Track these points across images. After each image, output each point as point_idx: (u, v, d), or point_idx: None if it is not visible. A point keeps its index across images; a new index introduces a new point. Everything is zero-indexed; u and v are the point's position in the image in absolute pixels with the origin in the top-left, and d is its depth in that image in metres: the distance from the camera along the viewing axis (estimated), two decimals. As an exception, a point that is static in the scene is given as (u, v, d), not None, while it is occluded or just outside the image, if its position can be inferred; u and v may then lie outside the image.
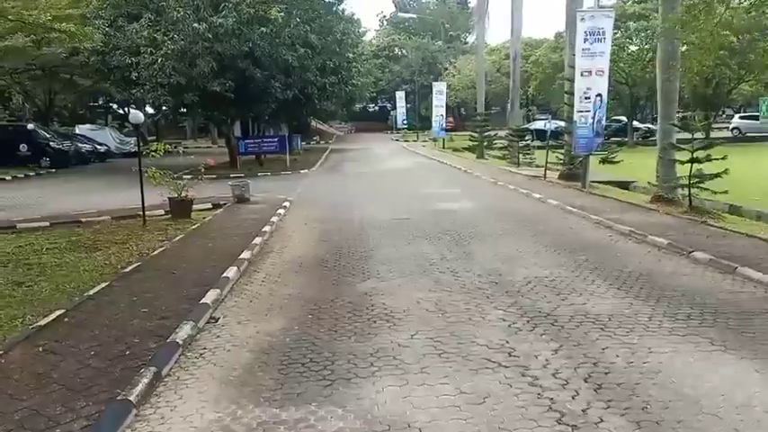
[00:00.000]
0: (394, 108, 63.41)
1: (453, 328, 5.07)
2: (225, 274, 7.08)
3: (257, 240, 9.24)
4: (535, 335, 4.84)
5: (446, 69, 58.88)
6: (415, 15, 67.55)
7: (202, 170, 13.72)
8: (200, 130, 58.12)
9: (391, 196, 14.55)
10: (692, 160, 11.79)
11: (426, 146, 39.77)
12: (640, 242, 8.44)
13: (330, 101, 32.87)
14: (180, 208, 12.49)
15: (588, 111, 15.37)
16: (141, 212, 11.84)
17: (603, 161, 16.84)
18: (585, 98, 15.35)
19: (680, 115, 15.60)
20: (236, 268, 7.42)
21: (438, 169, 23.04)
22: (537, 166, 23.97)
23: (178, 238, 9.88)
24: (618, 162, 16.87)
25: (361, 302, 5.95)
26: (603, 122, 15.74)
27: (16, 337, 5.34)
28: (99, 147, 35.17)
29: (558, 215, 11.13)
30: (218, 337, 5.27)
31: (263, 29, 21.47)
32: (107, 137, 39.07)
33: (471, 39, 78.89)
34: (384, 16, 79.95)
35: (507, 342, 4.70)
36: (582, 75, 15.31)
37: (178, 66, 21.02)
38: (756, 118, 42.55)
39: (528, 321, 5.15)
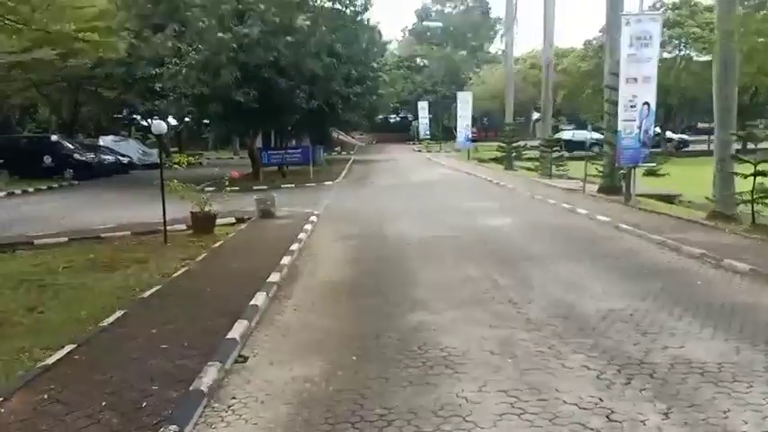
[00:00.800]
0: (415, 118, 62.69)
1: (529, 378, 4.23)
2: (253, 302, 6.33)
3: (285, 260, 8.51)
4: (633, 390, 3.98)
5: (470, 79, 58.11)
6: (440, 23, 66.91)
7: (226, 183, 13.04)
8: (222, 141, 58.03)
9: (425, 210, 13.75)
10: (756, 173, 10.80)
11: (451, 157, 38.91)
12: (716, 267, 7.50)
13: (354, 111, 32.31)
14: (203, 223, 11.84)
15: (634, 120, 14.43)
16: (163, 228, 11.21)
17: (648, 173, 15.83)
18: (631, 106, 14.41)
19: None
20: (264, 294, 6.67)
21: (468, 181, 22.18)
22: (569, 178, 23.03)
23: (201, 257, 9.18)
24: (663, 175, 15.86)
25: (412, 340, 5.14)
26: (651, 132, 14.77)
27: (19, 378, 4.64)
28: (122, 158, 35.02)
29: (613, 234, 10.20)
30: (249, 382, 4.50)
31: (288, 38, 20.94)
32: (130, 148, 38.99)
33: (494, 48, 78.40)
34: (407, 27, 79.67)
35: (601, 400, 3.84)
36: (627, 82, 14.39)
37: (202, 76, 20.58)
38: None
39: (619, 371, 4.29)
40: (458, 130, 39.64)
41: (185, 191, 11.62)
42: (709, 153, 34.01)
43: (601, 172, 17.89)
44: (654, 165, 15.37)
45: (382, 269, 7.92)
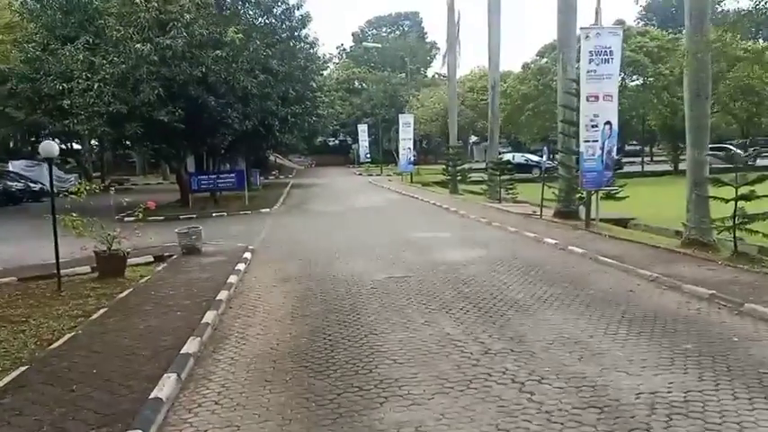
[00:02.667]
0: (355, 142, 61.47)
1: None
2: (155, 393, 4.46)
3: (209, 317, 6.64)
4: None
5: (407, 102, 57.53)
6: (379, 45, 66.43)
7: (139, 215, 10.97)
8: (151, 165, 54.57)
9: (375, 243, 12.12)
10: (738, 198, 9.86)
11: (393, 180, 37.65)
12: (739, 314, 6.24)
13: (292, 133, 30.47)
14: (110, 265, 9.74)
15: (596, 141, 13.47)
16: (56, 272, 9.05)
17: (607, 197, 14.90)
18: (593, 126, 13.47)
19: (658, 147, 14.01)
20: (174, 377, 4.81)
21: (416, 207, 20.77)
22: (517, 202, 22.09)
23: (99, 314, 7.15)
24: (622, 198, 14.95)
25: (391, 458, 3.45)
26: (614, 154, 13.84)
27: None
28: (33, 185, 31.76)
29: (594, 268, 8.89)
30: None
31: (217, 52, 19.08)
32: (43, 174, 35.46)
33: (431, 72, 78.72)
34: (344, 49, 78.90)
35: None
36: (588, 100, 13.45)
37: (118, 92, 18.32)
38: (723, 149, 42.34)
39: None
40: (399, 152, 38.51)
41: (86, 227, 9.50)
42: (641, 174, 34.26)
43: (557, 196, 16.88)
44: (617, 189, 14.44)
45: (334, 328, 6.19)
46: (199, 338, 5.88)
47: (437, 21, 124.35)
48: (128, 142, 22.90)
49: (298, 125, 27.29)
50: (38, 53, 19.21)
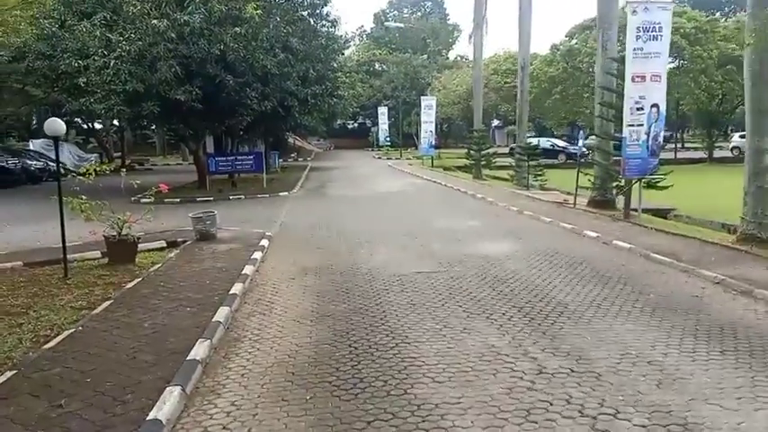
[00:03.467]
0: (374, 125, 60.50)
1: None
2: (154, 413, 3.79)
3: (221, 314, 5.97)
4: None
5: (429, 84, 56.34)
6: (401, 24, 65.11)
7: (151, 197, 10.33)
8: (171, 146, 54.27)
9: (399, 231, 11.37)
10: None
11: (413, 164, 36.76)
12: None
13: (311, 115, 29.70)
14: (119, 251, 9.14)
15: (641, 125, 12.50)
16: (64, 258, 8.48)
17: (648, 186, 13.92)
18: (638, 109, 12.48)
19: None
20: (178, 391, 4.14)
21: (440, 192, 19.95)
22: (546, 189, 21.15)
23: (103, 306, 6.53)
24: (666, 188, 13.96)
25: None
26: (661, 139, 12.85)
27: None
28: (53, 164, 31.52)
29: (649, 268, 7.98)
30: None
31: (236, 29, 18.29)
32: (64, 153, 35.33)
33: (453, 54, 77.07)
34: (364, 31, 77.54)
35: None
36: (633, 81, 12.45)
37: (135, 70, 17.69)
38: None
39: None
40: (421, 136, 37.59)
41: (93, 210, 8.88)
42: (674, 161, 32.83)
43: (592, 183, 15.92)
44: (662, 176, 13.45)
45: (359, 332, 5.47)
46: (209, 341, 5.21)
47: (459, 2, 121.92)
48: (144, 122, 22.25)
49: (317, 106, 26.50)
50: (54, 29, 18.64)
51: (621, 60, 14.97)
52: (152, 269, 8.59)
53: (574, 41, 40.33)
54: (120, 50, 17.44)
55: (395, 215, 13.96)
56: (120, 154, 42.57)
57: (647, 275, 7.47)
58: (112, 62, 17.33)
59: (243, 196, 19.64)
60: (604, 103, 15.24)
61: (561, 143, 43.73)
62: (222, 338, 5.47)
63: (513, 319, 5.63)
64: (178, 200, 18.91)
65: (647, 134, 12.58)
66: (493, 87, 52.31)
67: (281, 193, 20.31)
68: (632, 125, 12.58)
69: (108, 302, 6.70)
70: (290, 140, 52.46)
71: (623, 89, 14.59)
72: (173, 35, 17.32)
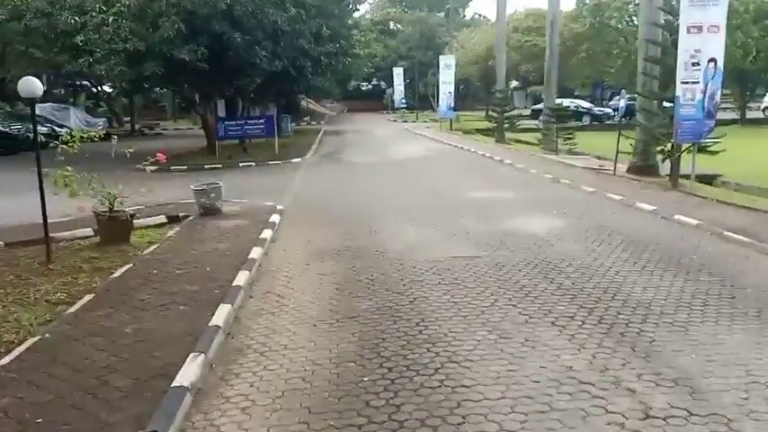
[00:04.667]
0: (389, 86, 58.59)
1: None
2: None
3: (220, 315, 4.88)
4: None
5: (447, 44, 54.04)
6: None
7: (148, 168, 9.20)
8: (183, 110, 52.96)
9: (425, 204, 10.18)
10: None
11: (431, 128, 35.24)
12: None
13: (325, 76, 28.18)
14: (111, 230, 8.07)
15: (696, 82, 11.05)
16: (56, 235, 7.47)
17: (699, 150, 12.53)
18: (693, 64, 11.00)
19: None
20: (155, 441, 3.06)
21: (463, 158, 18.62)
22: (575, 154, 19.71)
23: (82, 302, 5.48)
24: (718, 152, 12.56)
25: None
26: (718, 98, 11.39)
27: None
28: (59, 129, 30.61)
29: (730, 251, 6.65)
30: None
31: (243, -20, 16.84)
32: (71, 117, 34.31)
33: (470, 12, 74.10)
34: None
35: None
36: (689, 32, 10.94)
37: (136, 27, 16.39)
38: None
39: None
40: (439, 97, 35.88)
41: (80, 183, 7.79)
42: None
43: (633, 147, 14.51)
44: (716, 140, 12.05)
45: (393, 345, 4.31)
46: (203, 355, 4.13)
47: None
48: (147, 84, 20.99)
49: (331, 66, 25.01)
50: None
51: (670, 10, 13.43)
52: (147, 251, 7.52)
53: (601, -6, 37.99)
54: (120, 5, 16.13)
55: (418, 185, 12.74)
56: (129, 118, 41.51)
57: (731, 261, 6.24)
58: (111, 18, 16.04)
59: (253, 163, 18.48)
60: (650, 59, 13.72)
61: (586, 104, 41.77)
62: (221, 349, 4.39)
63: (587, 327, 4.46)
64: (185, 167, 17.82)
65: (704, 92, 11.13)
66: (513, 46, 49.92)
67: (293, 160, 19.11)
68: (686, 82, 11.13)
69: (89, 297, 5.64)
70: (303, 103, 50.93)
71: (672, 43, 13.14)
72: (174, -12, 15.95)
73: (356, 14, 31.36)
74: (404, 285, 5.70)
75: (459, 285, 5.60)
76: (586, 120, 38.40)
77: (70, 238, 8.43)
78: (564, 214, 8.94)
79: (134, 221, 9.14)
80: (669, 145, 13.17)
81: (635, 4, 35.11)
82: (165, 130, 42.11)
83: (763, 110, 40.52)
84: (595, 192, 10.97)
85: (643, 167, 14.05)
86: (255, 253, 7.07)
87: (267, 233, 8.18)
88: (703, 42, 10.94)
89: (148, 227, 9.19)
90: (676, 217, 8.40)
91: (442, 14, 61.19)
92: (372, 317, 4.89)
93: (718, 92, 11.32)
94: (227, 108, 26.21)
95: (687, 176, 12.63)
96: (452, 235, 7.77)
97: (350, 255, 7.03)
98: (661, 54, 13.63)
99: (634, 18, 36.21)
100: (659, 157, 13.54)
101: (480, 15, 69.91)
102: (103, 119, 36.61)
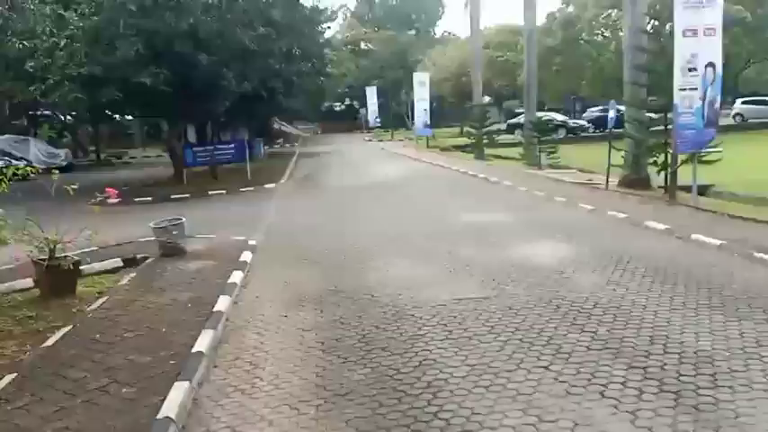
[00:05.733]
0: (362, 106, 57.92)
1: None
2: None
3: (171, 405, 3.77)
4: None
5: (419, 62, 53.71)
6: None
7: (95, 210, 8.03)
8: (151, 137, 51.37)
9: (416, 231, 9.21)
10: None
11: (408, 146, 34.50)
12: None
13: (298, 96, 27.24)
14: (53, 282, 6.89)
15: (694, 88, 10.36)
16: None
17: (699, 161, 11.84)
18: (690, 70, 10.32)
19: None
20: None
21: (446, 177, 17.76)
22: (558, 168, 19.04)
23: (1, 385, 4.32)
24: (713, 162, 11.90)
25: None
26: (718, 105, 10.71)
27: None
28: (16, 162, 28.98)
29: (765, 275, 5.91)
30: None
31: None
32: (30, 149, 32.60)
33: (439, 30, 74.12)
34: (347, 9, 74.41)
35: None
36: (684, 35, 10.28)
37: (91, 51, 15.24)
38: (763, 103, 38.53)
39: None
40: (415, 115, 35.19)
41: (11, 229, 6.62)
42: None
43: (624, 159, 13.80)
44: (718, 149, 11.38)
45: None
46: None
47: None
48: (107, 111, 19.77)
49: (304, 87, 24.10)
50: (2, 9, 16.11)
51: (657, 14, 12.87)
52: (94, 306, 6.36)
53: (570, 8, 37.94)
54: (73, 28, 15.00)
55: (404, 209, 11.78)
56: (93, 148, 39.93)
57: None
58: (63, 42, 14.88)
59: (224, 191, 17.33)
60: (640, 67, 13.07)
61: (560, 117, 41.51)
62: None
63: (647, 398, 3.48)
64: (149, 199, 16.61)
65: (703, 99, 10.45)
66: (485, 62, 49.80)
67: (267, 185, 18.03)
68: (684, 89, 10.44)
69: (12, 377, 4.49)
70: (276, 126, 49.86)
71: (660, 49, 12.55)
72: (132, 8, 14.88)
73: (329, 28, 30.54)
74: (404, 343, 4.67)
75: (473, 340, 4.60)
76: (561, 133, 38.05)
77: (7, 291, 7.22)
78: (570, 238, 8.04)
79: (86, 266, 8.05)
80: (663, 156, 12.53)
81: (604, 17, 35.11)
82: (134, 158, 40.63)
83: (734, 116, 40.77)
84: (595, 210, 10.13)
85: (635, 180, 13.37)
86: (223, 303, 5.97)
87: (237, 276, 7.09)
88: (700, 46, 10.29)
89: (101, 273, 8.04)
90: (694, 237, 7.55)
91: (412, 32, 61.01)
92: (369, 393, 3.84)
93: (719, 98, 10.64)
94: (197, 133, 25.05)
95: (683, 188, 11.95)
96: (451, 269, 6.79)
97: (335, 301, 5.98)
98: (649, 61, 13.02)
99: (604, 31, 36.19)
100: (653, 168, 12.87)
101: (450, 33, 70.05)
102: (66, 149, 34.94)
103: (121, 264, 8.43)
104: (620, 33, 36.03)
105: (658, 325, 4.66)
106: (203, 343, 4.89)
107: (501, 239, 8.19)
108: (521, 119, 42.24)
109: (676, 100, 10.46)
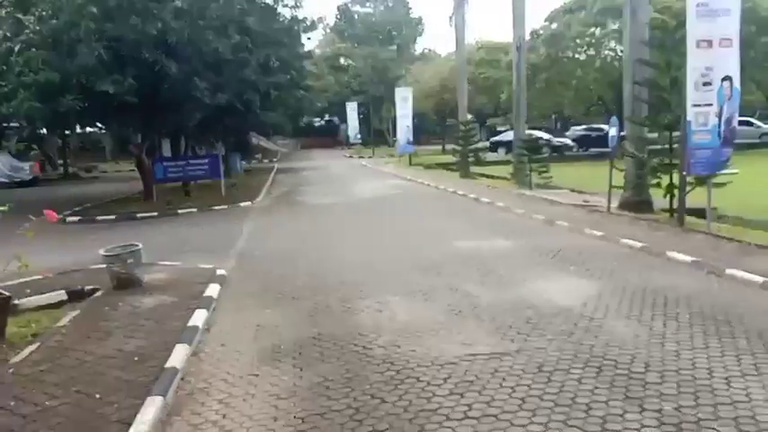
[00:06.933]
0: (342, 122, 57.07)
1: None
2: None
3: None
4: None
5: (401, 77, 53.04)
6: (371, 9, 62.03)
7: (28, 234, 6.76)
8: (123, 151, 49.53)
9: (409, 261, 8.11)
10: None
11: (390, 163, 33.61)
12: None
13: (275, 110, 26.09)
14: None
15: (710, 104, 9.53)
16: None
17: (699, 183, 11.01)
18: (705, 84, 9.50)
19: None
20: None
21: (434, 197, 16.76)
22: (549, 188, 18.19)
23: None
24: (723, 185, 11.05)
25: None
26: (735, 123, 9.89)
27: None
28: (-23, 178, 27.48)
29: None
30: None
31: (177, 2, 14.77)
32: (-3, 165, 30.95)
33: (419, 48, 73.85)
34: (327, 24, 73.78)
35: None
36: (699, 47, 9.46)
37: (49, 57, 13.96)
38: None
39: None
40: (397, 131, 34.34)
41: None
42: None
43: (625, 180, 12.95)
44: (733, 171, 10.55)
45: None
46: None
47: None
48: (66, 122, 18.38)
49: (282, 100, 22.99)
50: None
51: (662, 24, 12.14)
52: (19, 357, 5.13)
53: (554, 25, 37.61)
54: (29, 32, 13.73)
55: (393, 233, 10.68)
56: (61, 162, 38.20)
57: None
58: (17, 47, 13.59)
59: (195, 209, 16.07)
60: (642, 82, 12.28)
61: (545, 135, 41.04)
62: None
63: None
64: (113, 217, 15.29)
65: (719, 116, 9.63)
66: (466, 79, 49.41)
67: (242, 204, 16.83)
68: (698, 105, 9.60)
69: None
70: (254, 141, 48.59)
71: (666, 63, 11.80)
72: (94, 10, 13.67)
73: (309, 39, 29.62)
74: (410, 423, 3.56)
75: (501, 420, 3.50)
76: (546, 151, 37.50)
77: None
78: (586, 271, 7.03)
79: (24, 299, 6.86)
80: (667, 177, 11.72)
81: (588, 35, 34.79)
82: (104, 172, 39.08)
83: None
84: (605, 236, 9.17)
85: (637, 202, 12.50)
86: (178, 356, 4.80)
87: (200, 316, 5.91)
88: (714, 59, 9.48)
89: (41, 307, 6.79)
90: (729, 272, 6.60)
91: (393, 48, 60.53)
92: None
93: (737, 115, 9.83)
94: (172, 147, 23.74)
95: (690, 212, 11.10)
96: (457, 311, 5.70)
97: (318, 353, 4.85)
98: (652, 74, 12.28)
99: (588, 48, 35.87)
100: (655, 190, 12.05)
101: (430, 50, 69.86)
102: (31, 163, 33.16)
103: (65, 297, 7.18)
104: (605, 52, 36.05)
105: (737, 401, 3.62)
106: (145, 419, 3.71)
107: (508, 272, 7.15)
108: (503, 137, 41.96)
109: (689, 116, 9.62)
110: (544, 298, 5.95)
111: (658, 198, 12.38)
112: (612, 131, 12.70)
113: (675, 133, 11.50)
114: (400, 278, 7.16)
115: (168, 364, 4.64)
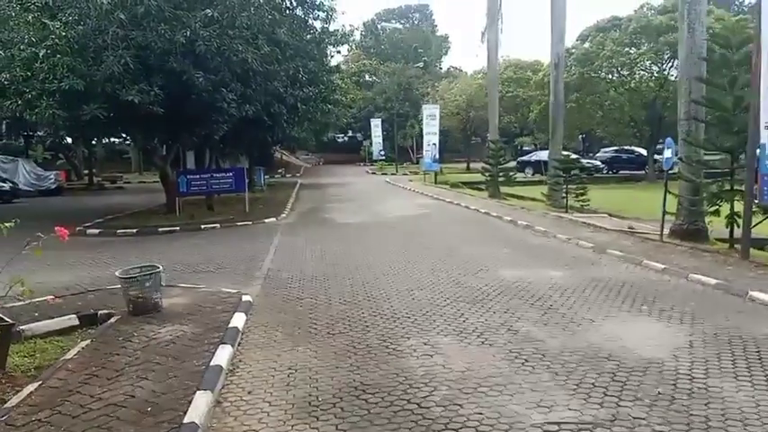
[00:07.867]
0: (365, 138, 56.63)
1: None
2: None
3: None
4: None
5: (427, 94, 52.50)
6: (399, 26, 61.86)
7: (37, 253, 6.10)
8: (149, 162, 49.50)
9: (454, 290, 7.31)
10: None
11: (414, 180, 32.91)
12: None
13: (302, 125, 25.62)
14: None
15: (788, 125, 8.63)
16: None
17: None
18: (782, 102, 8.62)
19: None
20: None
21: (466, 217, 15.94)
22: (586, 211, 17.27)
23: None
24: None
25: None
26: (815, 147, 8.95)
27: None
28: (2, 184, 27.33)
29: None
30: None
31: (207, 11, 14.28)
32: (18, 171, 30.84)
33: (445, 66, 73.52)
34: (353, 38, 73.87)
35: None
36: (776, 58, 8.61)
37: (74, 64, 13.54)
38: None
39: None
40: (424, 148, 33.68)
41: None
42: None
43: (678, 207, 12.02)
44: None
45: None
46: None
47: (446, 14, 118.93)
48: (90, 131, 18.01)
49: (309, 114, 22.44)
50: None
51: (726, 42, 11.26)
52: (16, 399, 4.42)
53: (587, 44, 36.75)
54: (54, 38, 13.32)
55: (429, 257, 9.84)
56: (87, 172, 38.13)
57: None
58: (42, 52, 13.19)
59: (218, 225, 15.47)
60: (700, 101, 11.41)
61: (573, 156, 40.02)
62: None
63: None
64: (134, 231, 14.74)
65: (798, 139, 8.73)
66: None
67: (267, 220, 16.21)
68: (776, 124, 8.72)
69: None
70: (277, 155, 48.32)
71: (729, 81, 10.91)
72: (122, 17, 13.25)
73: (339, 53, 29.24)
74: None
75: None
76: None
77: None
78: (663, 313, 6.14)
79: (32, 324, 6.25)
80: (727, 204, 10.80)
81: (623, 56, 33.85)
82: (129, 183, 38.91)
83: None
84: (668, 270, 8.26)
85: (692, 231, 11.59)
86: (199, 407, 4.05)
87: (224, 354, 5.17)
88: (793, 75, 8.61)
89: (49, 334, 6.12)
90: None
91: (420, 65, 60.15)
92: None
93: (817, 137, 8.90)
94: (196, 159, 23.33)
95: (717, 239, 10.15)
96: (522, 359, 4.87)
97: (363, 411, 4.05)
98: (709, 93, 11.43)
99: (621, 69, 34.92)
100: (711, 218, 11.13)
101: (456, 68, 69.38)
102: (56, 172, 33.06)
103: (77, 322, 6.51)
104: (640, 72, 35.06)
105: None
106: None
107: (569, 310, 6.30)
108: (531, 156, 41.02)
109: (763, 139, 8.72)
110: (623, 346, 5.08)
111: (711, 226, 11.52)
112: (668, 153, 11.78)
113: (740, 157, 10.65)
114: (445, 312, 6.35)
115: (187, 419, 3.89)
